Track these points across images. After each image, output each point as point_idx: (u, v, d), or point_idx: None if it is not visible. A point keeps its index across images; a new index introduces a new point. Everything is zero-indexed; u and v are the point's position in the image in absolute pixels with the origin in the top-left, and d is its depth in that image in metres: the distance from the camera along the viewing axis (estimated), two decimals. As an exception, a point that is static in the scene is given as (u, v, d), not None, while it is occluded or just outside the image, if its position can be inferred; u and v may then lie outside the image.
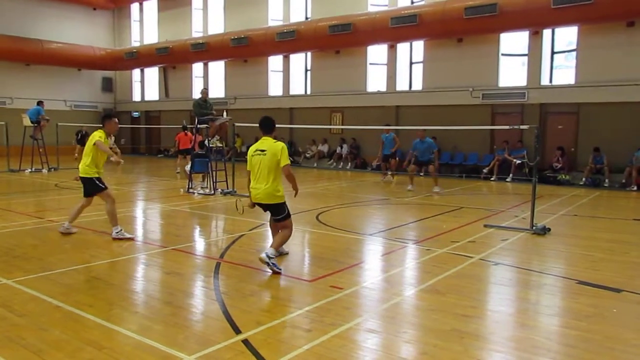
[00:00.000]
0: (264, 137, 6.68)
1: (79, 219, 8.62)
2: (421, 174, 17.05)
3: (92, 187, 8.16)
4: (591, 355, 4.07)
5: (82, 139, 26.04)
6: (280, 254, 6.87)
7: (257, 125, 6.74)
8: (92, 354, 3.94)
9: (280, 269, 6.29)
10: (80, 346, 4.09)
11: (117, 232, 8.05)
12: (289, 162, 6.51)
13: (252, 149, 6.68)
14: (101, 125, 8.40)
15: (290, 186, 6.82)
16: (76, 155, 25.15)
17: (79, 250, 7.35)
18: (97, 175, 8.12)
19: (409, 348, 4.24)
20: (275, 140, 6.61)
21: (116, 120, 8.49)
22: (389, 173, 17.60)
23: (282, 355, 3.95)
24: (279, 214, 6.66)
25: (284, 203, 6.64)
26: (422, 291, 5.68)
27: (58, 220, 9.40)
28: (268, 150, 6.48)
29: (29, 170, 18.79)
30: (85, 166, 8.08)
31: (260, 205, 6.69)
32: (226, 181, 13.75)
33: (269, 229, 9.16)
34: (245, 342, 4.19)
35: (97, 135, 8.06)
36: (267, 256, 6.23)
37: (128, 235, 8.09)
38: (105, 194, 8.18)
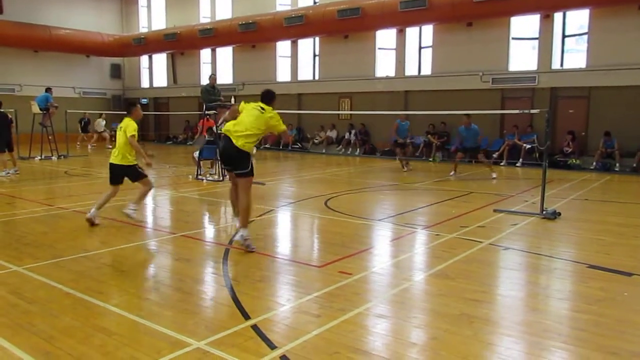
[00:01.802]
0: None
1: (89, 206, 8.66)
2: (468, 160, 16.49)
3: (135, 174, 8.25)
4: (602, 339, 4.04)
5: (85, 127, 26.19)
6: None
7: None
8: (103, 340, 3.96)
9: (254, 248, 6.52)
10: (91, 332, 4.11)
11: (132, 210, 8.14)
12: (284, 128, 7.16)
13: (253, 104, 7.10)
14: (125, 113, 8.40)
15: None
16: (78, 143, 25.29)
17: (89, 237, 7.38)
18: (136, 163, 8.23)
19: (419, 333, 4.24)
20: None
21: (140, 106, 8.73)
22: (398, 158, 17.21)
23: (291, 341, 3.95)
24: (243, 168, 6.69)
25: (249, 156, 6.75)
26: (432, 276, 5.67)
27: (68, 208, 9.46)
28: (267, 111, 6.93)
29: (39, 157, 18.87)
30: (120, 155, 8.08)
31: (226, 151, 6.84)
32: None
33: (278, 214, 9.21)
34: (255, 327, 4.20)
35: (132, 128, 8.02)
36: (243, 237, 6.52)
37: (133, 215, 8.12)
38: (147, 180, 8.38)
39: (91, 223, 7.94)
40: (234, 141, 6.65)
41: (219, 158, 6.93)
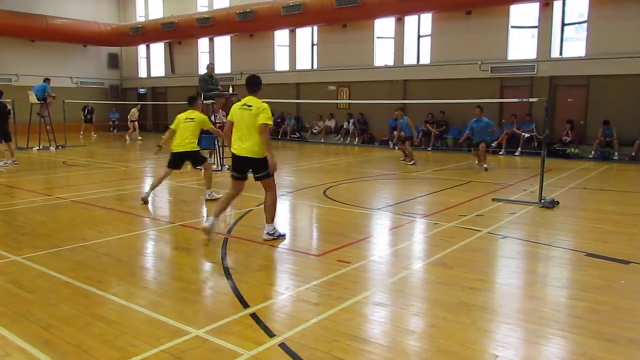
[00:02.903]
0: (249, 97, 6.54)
1: (87, 196, 8.68)
2: (467, 149, 16.17)
3: (199, 159, 9.19)
4: (599, 326, 4.06)
5: (90, 116, 26.16)
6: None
7: (264, 100, 6.63)
8: (102, 329, 3.97)
9: (283, 234, 6.70)
10: (90, 321, 4.12)
11: (209, 195, 9.13)
12: (267, 121, 6.31)
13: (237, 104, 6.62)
14: (186, 104, 9.26)
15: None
16: (82, 132, 25.27)
17: (88, 226, 7.38)
18: (198, 149, 9.23)
19: (417, 320, 4.25)
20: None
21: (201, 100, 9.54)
22: (397, 147, 16.94)
23: (290, 329, 3.97)
24: (261, 171, 6.40)
25: (265, 159, 6.37)
26: (430, 264, 5.68)
27: (66, 197, 9.45)
28: (254, 106, 6.37)
29: (37, 147, 18.83)
30: (190, 142, 8.96)
31: (240, 160, 6.46)
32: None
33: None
34: (254, 315, 4.21)
35: (208, 121, 9.35)
36: (268, 234, 6.54)
37: (217, 196, 8.93)
38: (207, 163, 9.31)
39: (144, 201, 8.97)
40: (242, 153, 6.36)
41: (232, 169, 6.67)
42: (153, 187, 9.18)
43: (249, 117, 6.32)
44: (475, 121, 14.11)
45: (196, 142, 9.11)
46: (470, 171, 13.61)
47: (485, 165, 13.70)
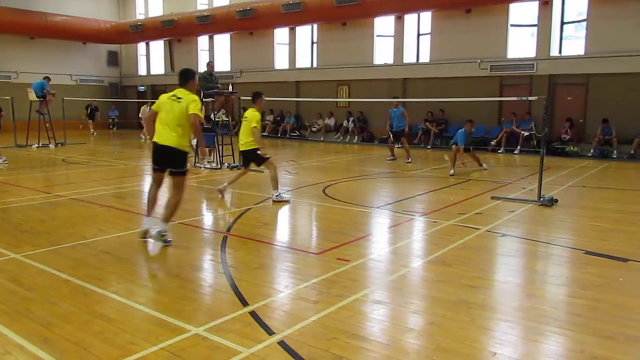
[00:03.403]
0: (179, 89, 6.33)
1: (87, 194, 8.68)
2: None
3: (258, 158, 9.04)
4: (598, 323, 4.07)
5: (92, 113, 26.15)
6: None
7: (264, 98, 6.66)
8: (102, 327, 3.97)
9: (169, 241, 6.24)
10: (90, 319, 4.12)
11: (276, 196, 8.89)
12: (197, 112, 6.17)
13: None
14: (251, 100, 9.17)
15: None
16: (92, 130, 25.25)
17: (87, 224, 7.38)
18: (257, 147, 8.96)
19: (417, 318, 4.26)
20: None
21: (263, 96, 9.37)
22: (397, 147, 16.73)
23: (289, 327, 3.97)
24: (179, 166, 6.27)
25: (187, 154, 6.31)
26: (429, 262, 5.69)
27: (66, 195, 9.45)
28: (184, 98, 6.20)
29: (36, 145, 18.82)
30: (248, 141, 8.96)
31: (161, 149, 6.24)
32: (232, 155, 13.73)
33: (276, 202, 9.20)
34: (253, 314, 4.22)
35: (256, 119, 8.89)
36: (160, 234, 6.13)
37: (286, 197, 8.96)
38: (270, 161, 9.06)
39: (221, 194, 9.23)
40: (166, 143, 6.16)
41: (153, 161, 6.45)
42: (231, 182, 9.48)
43: (178, 109, 6.16)
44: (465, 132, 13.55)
45: (250, 141, 8.97)
46: (470, 169, 13.61)
47: (452, 171, 13.29)
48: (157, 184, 6.57)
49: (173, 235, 6.88)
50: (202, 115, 6.40)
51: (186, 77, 6.40)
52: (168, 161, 6.29)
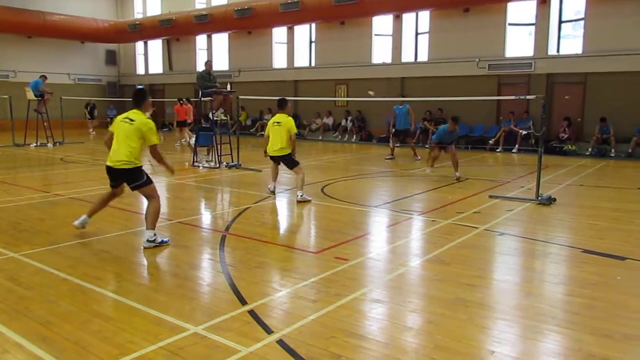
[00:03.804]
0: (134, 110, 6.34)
1: (85, 193, 8.67)
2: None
3: (292, 162, 9.30)
4: (595, 322, 4.09)
5: (91, 112, 26.09)
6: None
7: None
8: (100, 326, 3.98)
9: (167, 240, 6.34)
10: (88, 318, 4.13)
11: (301, 196, 8.95)
12: (156, 142, 6.26)
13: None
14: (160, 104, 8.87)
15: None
16: (91, 130, 25.21)
17: (86, 223, 7.37)
18: (290, 152, 9.26)
19: (415, 317, 4.27)
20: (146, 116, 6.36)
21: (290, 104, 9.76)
22: (395, 148, 16.50)
23: (288, 325, 3.98)
24: (136, 181, 6.35)
25: (141, 168, 6.37)
26: (428, 261, 5.70)
27: (64, 194, 9.44)
28: (137, 120, 6.21)
29: (34, 144, 18.79)
30: (284, 147, 9.13)
31: (113, 171, 6.39)
32: (231, 154, 13.73)
33: (275, 201, 9.22)
34: (252, 312, 4.23)
35: (292, 124, 9.22)
36: (148, 241, 6.13)
37: (308, 198, 9.00)
38: (300, 166, 9.32)
39: (272, 193, 9.54)
40: (119, 166, 6.26)
41: (109, 179, 6.61)
42: (275, 179, 9.70)
43: (129, 130, 6.19)
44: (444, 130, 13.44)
45: (285, 147, 9.18)
46: (468, 168, 13.63)
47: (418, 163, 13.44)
48: (112, 195, 6.84)
49: (171, 235, 6.90)
50: (158, 141, 6.39)
51: (139, 99, 6.42)
52: (124, 179, 6.46)
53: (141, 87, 6.83)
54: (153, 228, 6.25)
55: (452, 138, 11.95)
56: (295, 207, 9.10)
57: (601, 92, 17.48)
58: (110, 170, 6.42)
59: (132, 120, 6.24)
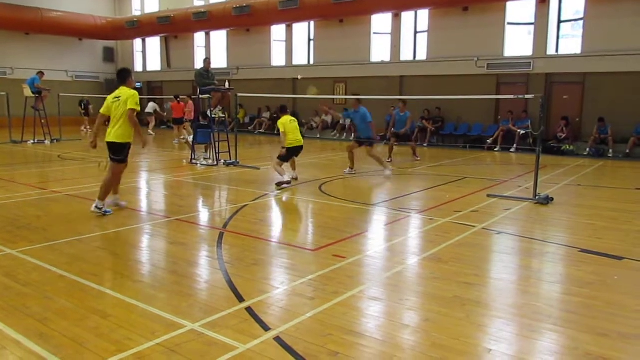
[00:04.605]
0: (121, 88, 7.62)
1: (82, 190, 8.67)
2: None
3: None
4: (592, 321, 4.09)
5: (86, 108, 26.02)
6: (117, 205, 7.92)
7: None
8: (97, 322, 3.97)
9: (109, 211, 7.49)
10: (85, 314, 4.12)
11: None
12: (135, 107, 7.41)
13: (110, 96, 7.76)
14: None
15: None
16: (87, 126, 25.12)
17: (83, 220, 7.36)
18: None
19: (412, 315, 4.27)
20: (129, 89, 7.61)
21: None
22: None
23: (285, 323, 3.98)
24: (118, 155, 7.60)
25: (126, 145, 7.61)
26: (425, 260, 5.70)
27: (61, 191, 9.43)
28: (123, 95, 7.50)
29: (32, 141, 18.76)
30: (296, 138, 10.43)
31: (109, 145, 7.65)
32: (229, 152, 13.72)
33: (272, 198, 9.23)
34: (249, 309, 4.23)
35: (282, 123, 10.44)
36: (97, 207, 7.40)
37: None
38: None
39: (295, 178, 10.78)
40: (109, 139, 7.57)
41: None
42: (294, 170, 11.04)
43: (118, 107, 7.48)
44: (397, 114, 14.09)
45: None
46: (466, 167, 13.64)
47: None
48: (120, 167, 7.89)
49: (169, 232, 6.90)
50: (138, 108, 7.49)
51: (123, 77, 7.74)
52: (111, 151, 7.66)
53: (125, 68, 8.16)
54: (102, 199, 7.46)
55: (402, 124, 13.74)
56: (293, 205, 9.11)
57: (600, 92, 17.49)
58: (107, 144, 7.69)
59: (118, 97, 7.49)
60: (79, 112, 26.02)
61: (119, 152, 7.62)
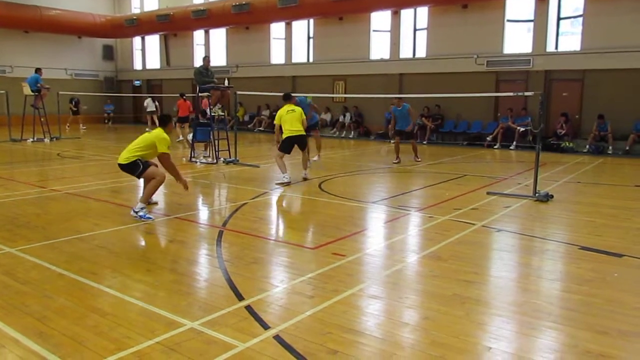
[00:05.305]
0: None
1: (82, 188, 8.66)
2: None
3: (306, 142, 10.85)
4: (592, 318, 4.09)
5: (76, 106, 25.94)
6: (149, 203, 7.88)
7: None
8: (97, 321, 3.97)
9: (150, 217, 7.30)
10: (85, 313, 4.12)
11: (305, 173, 10.79)
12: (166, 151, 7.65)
13: None
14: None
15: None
16: (68, 125, 25.00)
17: (82, 219, 7.36)
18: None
19: (411, 313, 4.27)
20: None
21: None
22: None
23: (285, 321, 3.98)
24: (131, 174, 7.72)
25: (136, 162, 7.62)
26: (425, 257, 5.70)
27: (61, 190, 9.43)
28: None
29: (31, 139, 18.74)
30: (300, 128, 10.42)
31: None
32: (228, 150, 13.72)
33: (272, 197, 9.23)
34: (249, 308, 4.22)
35: (301, 111, 10.59)
36: (134, 211, 7.33)
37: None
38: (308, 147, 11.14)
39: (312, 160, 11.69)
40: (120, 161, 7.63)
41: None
42: (306, 166, 10.99)
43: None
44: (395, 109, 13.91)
45: (303, 129, 10.55)
46: (465, 165, 13.63)
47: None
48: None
49: (169, 230, 6.90)
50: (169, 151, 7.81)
51: (166, 121, 7.90)
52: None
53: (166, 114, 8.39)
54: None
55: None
56: (292, 203, 9.11)
57: (599, 89, 17.48)
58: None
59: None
60: (69, 109, 25.92)
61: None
